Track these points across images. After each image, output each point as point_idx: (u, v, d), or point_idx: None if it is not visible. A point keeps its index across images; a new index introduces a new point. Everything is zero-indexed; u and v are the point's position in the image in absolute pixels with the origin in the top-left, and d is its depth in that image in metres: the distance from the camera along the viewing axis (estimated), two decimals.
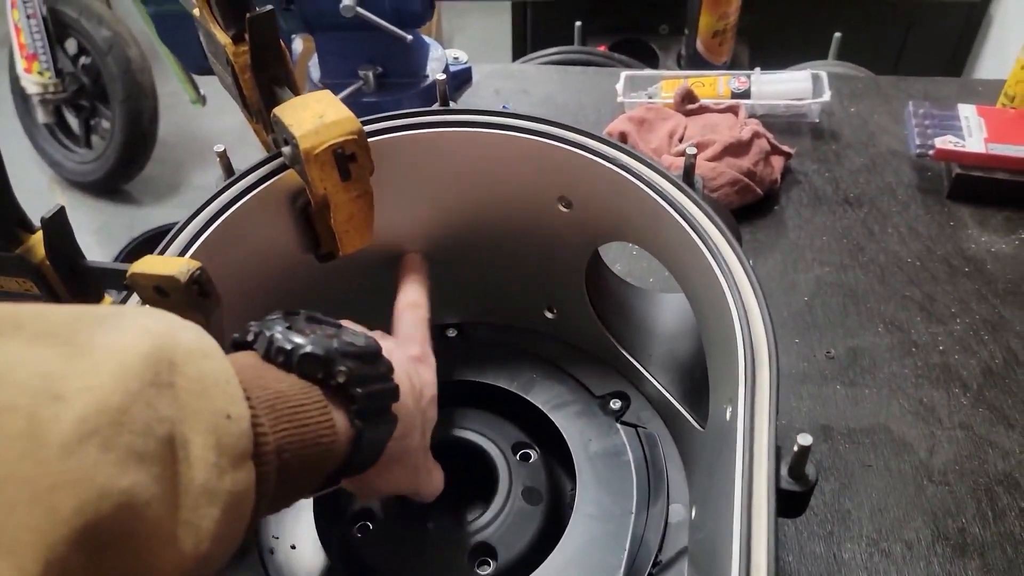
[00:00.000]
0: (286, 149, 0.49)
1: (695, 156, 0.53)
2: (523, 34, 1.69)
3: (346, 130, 0.47)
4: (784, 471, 0.39)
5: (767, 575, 0.35)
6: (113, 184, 2.47)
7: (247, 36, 0.52)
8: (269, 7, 0.50)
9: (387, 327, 0.58)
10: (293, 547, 0.54)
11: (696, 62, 1.44)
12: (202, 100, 1.15)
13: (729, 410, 0.44)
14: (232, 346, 0.40)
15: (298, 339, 0.37)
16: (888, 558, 0.60)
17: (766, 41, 1.53)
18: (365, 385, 0.38)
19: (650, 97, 1.02)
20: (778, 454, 0.39)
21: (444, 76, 0.59)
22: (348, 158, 0.47)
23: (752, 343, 0.43)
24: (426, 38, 1.00)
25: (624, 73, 1.05)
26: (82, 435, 0.25)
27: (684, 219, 0.50)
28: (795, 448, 0.38)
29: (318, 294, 0.58)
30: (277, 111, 0.49)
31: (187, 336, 0.31)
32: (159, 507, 0.27)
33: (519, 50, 1.72)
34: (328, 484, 0.40)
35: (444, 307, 0.69)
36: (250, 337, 0.39)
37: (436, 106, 0.59)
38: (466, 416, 0.61)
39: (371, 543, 0.54)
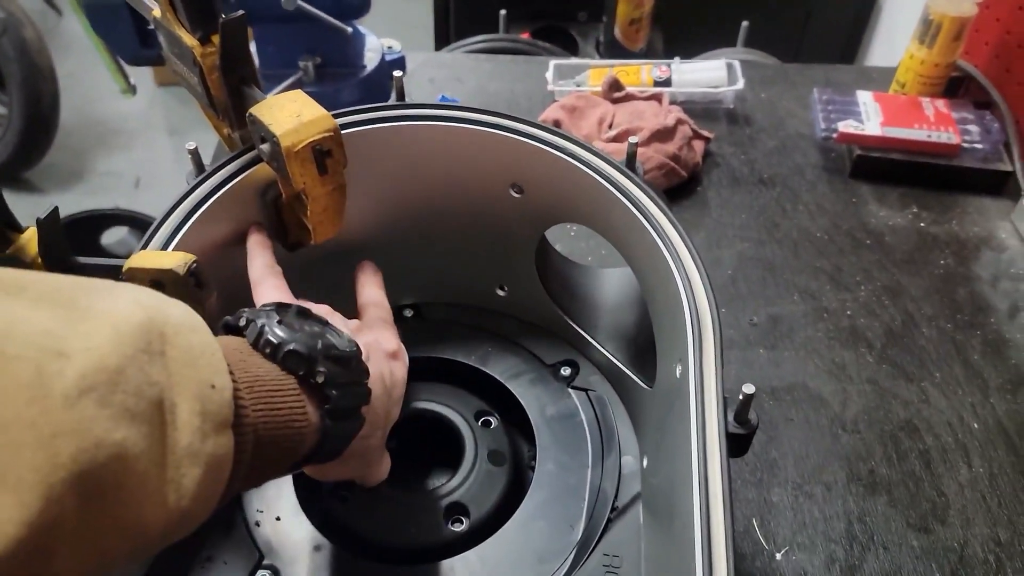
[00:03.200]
0: (264, 147, 0.52)
1: (636, 145, 0.59)
2: (446, 19, 1.72)
3: (323, 127, 0.50)
4: (730, 417, 0.45)
5: (723, 505, 0.41)
6: (13, 172, 2.38)
7: (218, 39, 0.54)
8: (241, 12, 0.53)
9: (351, 306, 0.62)
10: (278, 519, 0.58)
11: (614, 48, 1.51)
12: (132, 90, 1.14)
13: (679, 368, 0.50)
14: (223, 328, 0.43)
15: (285, 334, 0.40)
16: (811, 499, 0.68)
17: (679, 29, 1.61)
18: (340, 388, 0.41)
19: (578, 85, 1.08)
20: (725, 403, 0.45)
21: (401, 74, 0.63)
22: (325, 154, 0.51)
23: (697, 309, 0.50)
24: (361, 28, 1.03)
25: (553, 62, 1.10)
26: (82, 389, 0.27)
27: (630, 201, 0.56)
28: (740, 396, 0.44)
29: (288, 281, 0.62)
30: (254, 111, 0.52)
31: (176, 311, 0.34)
32: (147, 463, 0.29)
33: (441, 35, 1.76)
34: (294, 469, 0.43)
35: (400, 289, 0.73)
36: (242, 323, 0.42)
37: (393, 100, 0.63)
38: (429, 389, 0.66)
39: (351, 510, 0.58)
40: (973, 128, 1.00)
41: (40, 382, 0.27)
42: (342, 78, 0.98)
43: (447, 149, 0.62)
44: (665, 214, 0.55)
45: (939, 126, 0.99)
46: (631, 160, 0.59)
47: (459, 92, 1.11)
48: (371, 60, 1.01)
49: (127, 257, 0.49)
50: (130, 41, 0.96)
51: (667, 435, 0.52)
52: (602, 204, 0.58)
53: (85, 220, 1.96)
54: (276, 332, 0.40)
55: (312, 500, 0.59)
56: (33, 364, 0.27)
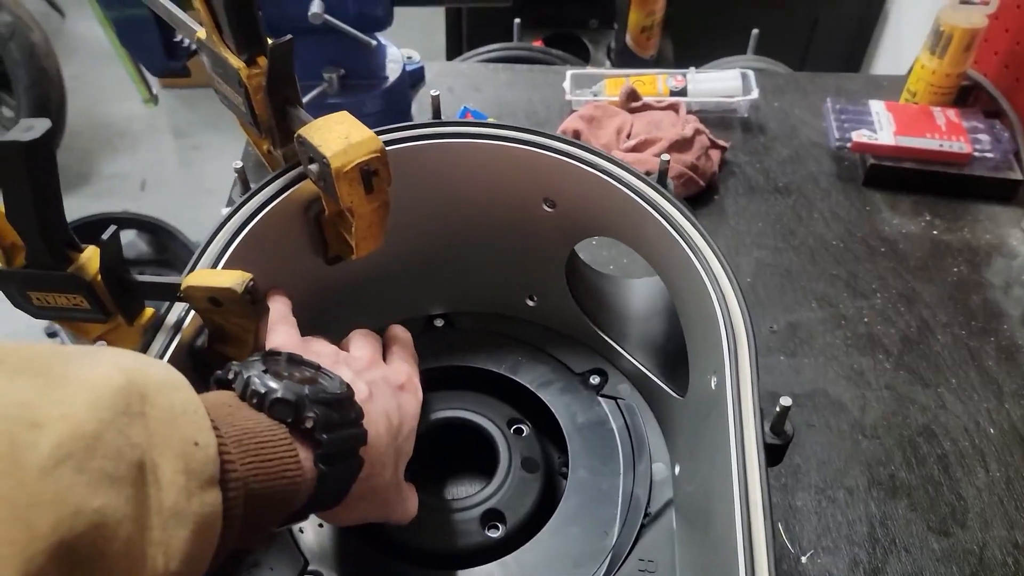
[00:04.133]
0: (313, 167, 0.54)
1: (668, 162, 0.61)
2: (458, 28, 1.74)
3: (371, 149, 0.52)
4: (767, 428, 0.47)
5: (764, 514, 0.43)
6: None
7: (266, 62, 0.56)
8: (289, 36, 0.55)
9: (385, 316, 0.64)
10: (321, 525, 0.60)
11: (625, 56, 1.52)
12: (154, 99, 1.16)
13: (714, 380, 0.52)
14: (214, 383, 0.43)
15: (272, 383, 0.40)
16: (834, 503, 0.70)
17: (689, 36, 1.63)
18: (332, 431, 0.41)
19: (595, 95, 1.10)
20: (762, 414, 0.47)
21: (437, 93, 0.65)
22: (372, 173, 0.53)
23: (731, 322, 0.51)
24: (382, 40, 1.05)
25: (570, 72, 1.12)
26: (58, 459, 0.27)
27: (663, 217, 0.58)
28: (777, 408, 0.46)
29: (325, 293, 0.64)
30: (303, 132, 0.53)
31: (157, 371, 0.34)
32: (130, 527, 0.29)
33: (453, 43, 1.77)
34: (297, 517, 0.42)
35: (432, 299, 0.75)
36: (230, 376, 0.42)
37: (431, 119, 0.65)
38: (461, 397, 0.68)
39: None
40: (983, 137, 1.02)
41: (13, 455, 0.27)
42: (365, 89, 1.00)
43: (483, 165, 0.63)
44: (697, 229, 0.57)
45: (950, 135, 1.01)
46: (663, 176, 0.61)
47: (477, 101, 1.13)
48: (393, 71, 1.03)
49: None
50: (157, 54, 0.98)
51: (702, 444, 0.54)
52: (634, 219, 0.60)
53: (97, 223, 1.98)
54: (263, 382, 0.40)
55: None
56: (7, 437, 0.27)
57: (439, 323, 0.75)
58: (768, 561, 0.41)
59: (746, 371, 0.49)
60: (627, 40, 1.50)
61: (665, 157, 0.60)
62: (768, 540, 0.42)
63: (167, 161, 2.65)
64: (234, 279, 0.48)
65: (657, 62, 1.54)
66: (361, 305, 0.70)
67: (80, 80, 2.77)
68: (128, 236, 1.98)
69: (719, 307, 0.52)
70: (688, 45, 1.61)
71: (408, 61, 1.09)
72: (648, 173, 0.60)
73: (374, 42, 0.95)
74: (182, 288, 0.49)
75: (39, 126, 0.44)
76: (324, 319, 0.68)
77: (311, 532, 0.59)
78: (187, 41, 0.99)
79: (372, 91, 1.00)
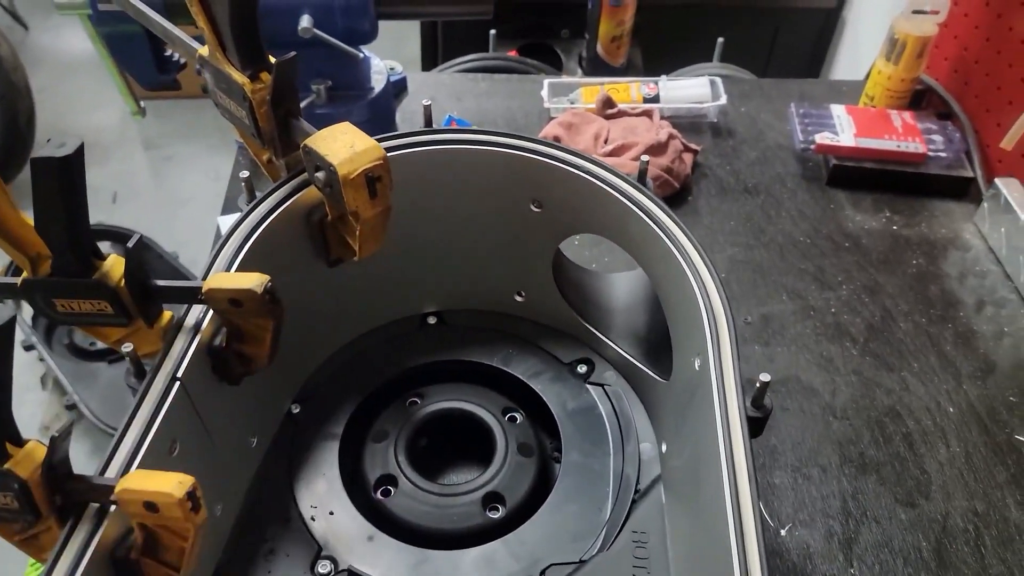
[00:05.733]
0: (319, 175, 0.57)
1: (648, 163, 0.65)
2: (434, 39, 1.78)
3: (375, 156, 0.56)
4: (748, 402, 0.52)
5: (748, 477, 0.47)
6: None
7: (270, 77, 0.60)
8: (293, 53, 0.59)
9: (381, 315, 0.66)
10: (331, 513, 0.63)
11: (596, 64, 1.58)
12: (142, 112, 1.18)
13: (698, 362, 0.56)
14: None
15: None
16: (809, 480, 0.74)
17: (657, 45, 1.69)
18: None
19: (571, 102, 1.14)
20: (743, 390, 0.51)
21: (429, 102, 0.69)
22: (376, 179, 0.56)
23: (712, 308, 0.56)
24: (367, 52, 1.09)
25: (547, 81, 1.17)
26: None
27: (644, 213, 0.63)
28: (757, 384, 0.51)
29: (325, 294, 0.68)
30: (309, 142, 0.57)
31: None
32: None
33: (429, 53, 1.81)
34: None
35: (425, 297, 0.79)
36: None
37: (423, 127, 0.69)
38: (457, 390, 0.72)
39: (397, 502, 0.64)
40: (937, 138, 1.08)
41: None
42: (352, 100, 1.04)
43: (475, 170, 0.68)
44: (676, 224, 0.62)
45: (907, 136, 1.07)
46: (642, 176, 0.65)
47: (458, 110, 1.17)
48: (378, 82, 1.06)
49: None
50: (148, 68, 1.01)
51: (688, 421, 0.58)
52: (618, 217, 0.65)
53: None
54: None
55: (361, 495, 0.65)
56: None
57: (432, 320, 0.79)
58: (755, 521, 0.45)
59: (727, 352, 0.53)
60: (598, 49, 1.55)
61: (645, 159, 0.65)
62: (754, 501, 0.46)
63: (138, 172, 2.65)
64: (253, 281, 0.51)
65: (627, 70, 1.60)
66: (359, 304, 0.74)
67: (46, 92, 2.76)
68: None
69: (700, 295, 0.57)
70: (656, 53, 1.66)
71: (392, 72, 1.13)
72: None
73: (361, 54, 0.99)
74: (204, 291, 0.52)
75: (71, 142, 0.47)
76: (324, 318, 0.72)
77: (323, 520, 0.63)
78: (176, 55, 1.02)
79: (359, 101, 1.04)
